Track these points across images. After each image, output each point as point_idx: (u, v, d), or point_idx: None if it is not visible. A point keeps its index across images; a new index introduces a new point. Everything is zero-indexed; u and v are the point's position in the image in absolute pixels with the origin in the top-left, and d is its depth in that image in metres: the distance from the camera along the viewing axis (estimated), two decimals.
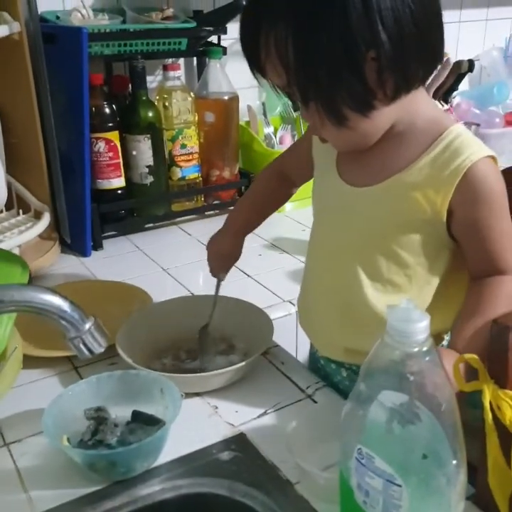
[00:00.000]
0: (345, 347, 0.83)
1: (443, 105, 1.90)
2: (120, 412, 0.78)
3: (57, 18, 1.38)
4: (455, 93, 1.97)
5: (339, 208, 0.80)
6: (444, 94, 1.90)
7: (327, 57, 0.64)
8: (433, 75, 1.81)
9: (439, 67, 0.71)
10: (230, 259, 0.99)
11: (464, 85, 2.02)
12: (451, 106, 1.96)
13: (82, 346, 0.62)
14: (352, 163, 0.78)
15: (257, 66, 0.70)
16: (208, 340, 0.95)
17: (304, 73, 0.66)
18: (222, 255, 0.99)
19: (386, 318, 0.77)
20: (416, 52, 0.66)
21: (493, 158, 0.72)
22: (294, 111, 1.68)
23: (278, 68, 0.67)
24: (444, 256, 0.77)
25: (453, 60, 1.82)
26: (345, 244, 0.80)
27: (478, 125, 1.96)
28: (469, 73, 1.89)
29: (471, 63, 1.86)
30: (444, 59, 1.78)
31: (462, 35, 2.15)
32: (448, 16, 2.18)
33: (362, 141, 0.74)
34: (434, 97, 1.87)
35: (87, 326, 0.61)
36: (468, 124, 1.95)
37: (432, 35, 0.68)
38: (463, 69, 1.86)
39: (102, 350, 0.64)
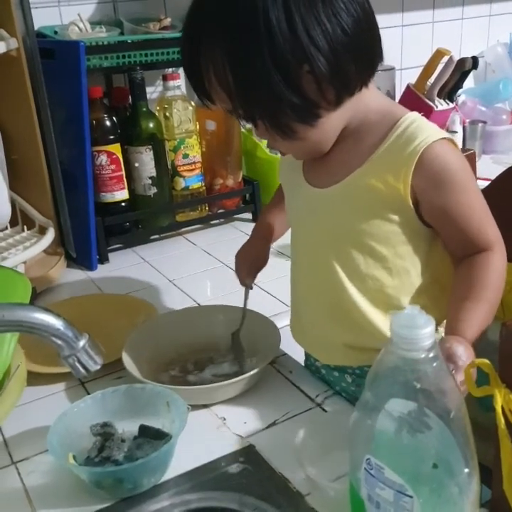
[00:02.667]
0: (344, 343, 0.83)
1: (448, 104, 1.88)
2: (127, 427, 0.77)
3: (55, 32, 1.38)
4: (460, 91, 1.96)
5: (309, 212, 0.82)
6: (448, 92, 1.88)
7: (263, 77, 0.66)
8: (436, 74, 1.81)
9: (379, 65, 0.73)
10: (256, 262, 0.99)
11: (468, 83, 2.01)
12: (456, 104, 1.94)
13: (77, 364, 0.61)
14: (316, 168, 0.80)
15: (203, 94, 0.73)
16: (240, 345, 0.95)
17: (245, 96, 0.69)
18: (250, 260, 0.99)
19: (371, 315, 0.79)
20: (350, 58, 0.68)
21: (450, 140, 0.73)
22: None
23: (221, 94, 0.70)
24: (422, 245, 0.77)
25: (457, 58, 1.81)
26: (320, 246, 0.81)
27: (484, 123, 1.94)
28: (474, 70, 1.88)
29: (475, 60, 1.84)
30: (447, 57, 1.78)
31: (465, 33, 2.14)
32: (450, 14, 2.16)
33: (317, 148, 0.76)
34: (439, 95, 1.86)
35: (81, 343, 0.60)
36: (474, 122, 1.93)
37: (363, 38, 0.69)
38: (467, 66, 1.84)
39: (98, 367, 0.63)
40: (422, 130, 0.71)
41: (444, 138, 0.72)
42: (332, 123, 0.73)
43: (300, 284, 0.88)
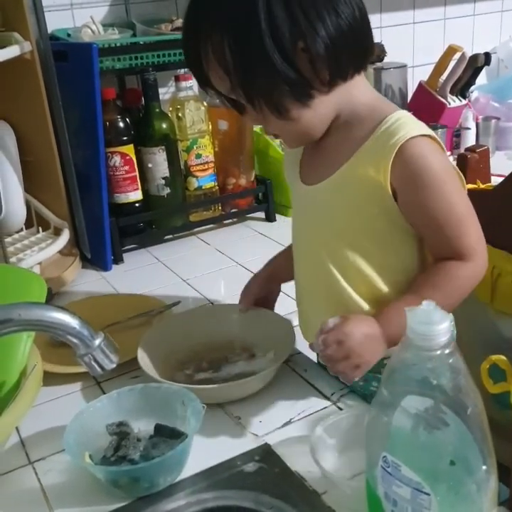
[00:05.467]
0: None
1: (461, 100, 1.87)
2: (143, 426, 0.77)
3: (69, 35, 1.39)
4: (472, 87, 1.95)
5: (302, 209, 0.84)
6: (461, 89, 1.87)
7: (260, 53, 0.68)
8: (449, 70, 1.80)
9: (371, 57, 0.77)
10: (258, 301, 0.98)
11: (481, 79, 1.99)
12: (469, 101, 1.93)
13: (93, 363, 0.61)
14: (310, 165, 0.82)
15: (202, 77, 0.74)
16: None
17: (243, 72, 0.70)
18: (254, 298, 0.98)
19: (365, 308, 0.78)
20: (345, 42, 0.70)
21: (432, 138, 0.72)
22: None
23: (219, 73, 0.72)
24: (409, 241, 0.77)
25: (469, 54, 1.80)
26: (312, 240, 0.82)
27: (498, 119, 1.92)
28: (486, 66, 1.87)
29: (487, 56, 1.83)
30: (459, 53, 1.77)
31: (477, 29, 2.12)
32: (462, 10, 2.15)
33: (308, 133, 0.77)
34: (452, 92, 1.85)
35: (97, 342, 0.60)
36: (487, 118, 1.92)
37: (358, 26, 0.71)
38: (479, 62, 1.83)
39: (114, 366, 0.63)
40: (405, 126, 0.71)
41: (425, 135, 0.71)
42: (324, 108, 0.74)
43: (300, 277, 0.88)
